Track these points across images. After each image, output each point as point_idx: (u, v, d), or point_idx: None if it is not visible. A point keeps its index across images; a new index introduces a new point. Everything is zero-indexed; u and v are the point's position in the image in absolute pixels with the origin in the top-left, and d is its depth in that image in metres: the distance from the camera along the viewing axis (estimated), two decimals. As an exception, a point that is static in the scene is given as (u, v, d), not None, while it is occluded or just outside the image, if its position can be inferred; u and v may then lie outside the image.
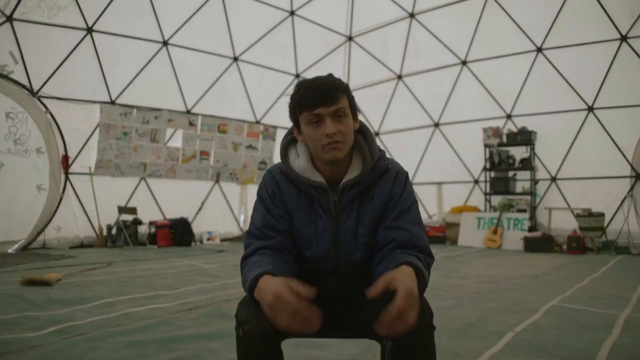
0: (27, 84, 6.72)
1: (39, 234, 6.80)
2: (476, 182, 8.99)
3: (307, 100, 1.22)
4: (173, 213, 8.38)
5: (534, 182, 7.99)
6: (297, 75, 10.03)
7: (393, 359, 1.14)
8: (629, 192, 6.96)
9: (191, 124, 8.71)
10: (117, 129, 7.76)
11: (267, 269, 1.11)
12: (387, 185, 1.31)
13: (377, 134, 10.56)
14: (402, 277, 1.03)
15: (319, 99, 1.21)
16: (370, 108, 10.51)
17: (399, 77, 10.05)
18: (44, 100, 6.92)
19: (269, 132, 9.88)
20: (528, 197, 8.04)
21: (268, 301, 1.00)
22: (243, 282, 1.18)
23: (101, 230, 7.48)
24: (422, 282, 1.09)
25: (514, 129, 8.25)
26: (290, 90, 1.28)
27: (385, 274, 1.04)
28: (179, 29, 8.17)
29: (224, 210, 9.35)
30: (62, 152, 7.15)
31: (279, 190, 1.33)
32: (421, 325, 1.09)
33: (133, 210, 7.83)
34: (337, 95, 1.22)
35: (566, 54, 7.63)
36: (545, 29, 7.76)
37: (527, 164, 8.02)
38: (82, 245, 7.33)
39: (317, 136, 1.23)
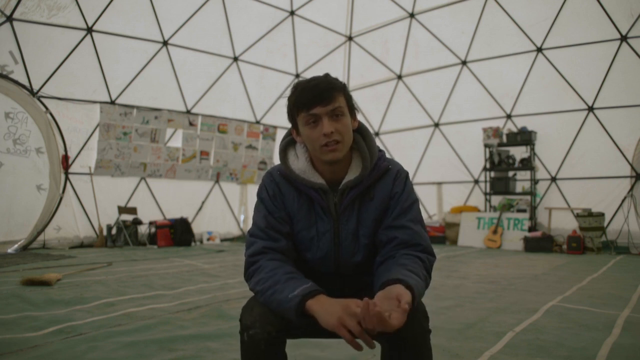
0: (27, 84, 6.72)
1: (39, 234, 6.80)
2: (476, 182, 8.99)
3: (303, 100, 1.22)
4: (173, 213, 8.38)
5: (534, 182, 7.99)
6: (297, 75, 10.03)
7: None
8: (629, 192, 6.96)
9: (191, 124, 8.72)
10: (117, 129, 7.77)
11: (316, 286, 1.13)
12: (388, 185, 1.31)
13: (377, 134, 10.57)
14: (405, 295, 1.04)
15: (316, 98, 1.20)
16: (370, 108, 10.53)
17: (399, 77, 10.04)
18: (44, 100, 6.92)
19: (269, 132, 9.89)
20: (528, 197, 8.04)
21: (343, 304, 1.03)
22: (268, 288, 1.15)
23: (101, 230, 7.48)
24: (413, 299, 1.06)
25: (514, 129, 8.24)
26: (288, 91, 1.28)
27: (390, 289, 1.05)
28: (179, 29, 8.17)
29: (224, 210, 9.35)
30: (62, 152, 7.15)
31: (279, 192, 1.32)
32: (417, 329, 1.10)
33: (133, 210, 7.83)
34: (333, 94, 1.21)
35: (566, 54, 7.63)
36: (545, 29, 7.76)
37: (527, 164, 8.01)
38: (82, 245, 7.33)
39: (315, 136, 1.22)
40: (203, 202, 9.01)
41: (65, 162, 7.19)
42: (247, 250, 1.28)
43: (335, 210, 1.30)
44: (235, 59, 9.12)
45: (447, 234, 8.70)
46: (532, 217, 7.87)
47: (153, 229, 8.00)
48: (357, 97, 10.66)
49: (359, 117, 1.35)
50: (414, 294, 1.06)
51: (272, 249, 1.25)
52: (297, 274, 1.19)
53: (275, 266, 1.20)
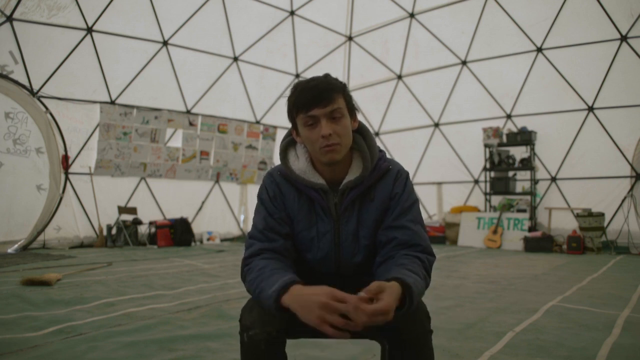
0: (27, 84, 6.72)
1: (39, 234, 6.80)
2: (476, 182, 8.99)
3: (302, 101, 1.21)
4: (173, 213, 8.38)
5: (534, 182, 7.99)
6: (297, 75, 10.03)
7: None
8: (629, 192, 6.96)
9: (191, 124, 8.72)
10: (117, 129, 7.77)
11: (293, 277, 1.10)
12: (388, 185, 1.30)
13: (377, 134, 10.57)
14: (390, 294, 1.01)
15: (314, 99, 1.20)
16: (370, 108, 10.53)
17: (399, 77, 10.04)
18: (44, 100, 6.92)
19: (269, 132, 9.89)
20: (528, 197, 8.04)
21: (321, 302, 0.99)
22: (256, 287, 1.14)
23: (101, 230, 7.48)
24: (410, 297, 1.05)
25: (514, 129, 8.25)
26: (288, 91, 1.27)
27: (380, 283, 1.03)
28: (179, 29, 8.17)
29: (224, 210, 9.35)
30: (62, 152, 7.15)
31: (280, 193, 1.32)
32: (418, 329, 1.09)
33: (133, 210, 7.83)
34: (332, 95, 1.21)
35: (566, 54, 7.63)
36: (545, 29, 7.76)
37: (527, 164, 8.01)
38: (82, 245, 7.33)
39: (313, 138, 1.22)
40: (203, 202, 9.01)
41: (65, 162, 7.19)
42: (245, 252, 1.28)
43: (336, 210, 1.30)
44: (235, 59, 9.12)
45: (447, 234, 8.70)
46: (532, 217, 7.87)
47: (153, 229, 8.00)
48: (357, 97, 10.66)
49: (359, 117, 1.35)
50: (411, 291, 1.05)
51: (268, 250, 1.25)
52: (282, 269, 1.17)
53: (264, 265, 1.19)
